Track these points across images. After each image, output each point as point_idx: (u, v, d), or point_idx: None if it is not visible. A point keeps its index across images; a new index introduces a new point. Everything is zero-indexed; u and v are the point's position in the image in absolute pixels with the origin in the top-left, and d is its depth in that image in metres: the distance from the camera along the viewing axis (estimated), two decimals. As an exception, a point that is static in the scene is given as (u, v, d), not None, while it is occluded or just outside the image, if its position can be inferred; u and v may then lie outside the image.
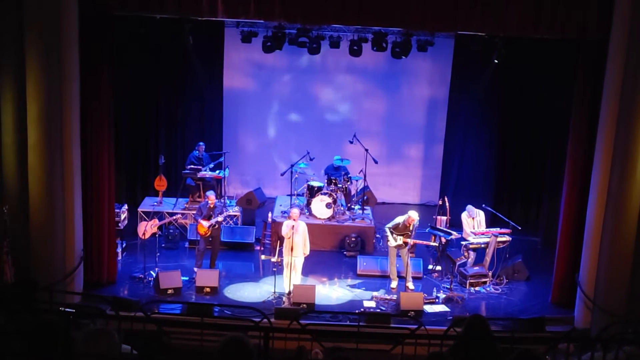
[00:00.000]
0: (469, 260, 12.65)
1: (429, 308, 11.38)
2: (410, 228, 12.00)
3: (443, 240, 12.61)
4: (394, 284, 12.22)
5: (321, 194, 14.06)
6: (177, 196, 14.76)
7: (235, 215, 14.22)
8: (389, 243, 12.09)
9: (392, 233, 11.99)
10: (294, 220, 11.45)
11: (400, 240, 11.93)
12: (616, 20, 10.44)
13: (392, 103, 16.51)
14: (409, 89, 16.47)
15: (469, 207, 13.09)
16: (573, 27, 10.79)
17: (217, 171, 14.57)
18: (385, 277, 12.53)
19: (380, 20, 11.37)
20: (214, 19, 11.51)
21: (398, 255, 12.13)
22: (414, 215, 12.02)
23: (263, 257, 13.29)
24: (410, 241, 12.07)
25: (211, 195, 12.33)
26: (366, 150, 14.42)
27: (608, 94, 10.65)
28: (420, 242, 12.49)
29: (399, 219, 12.08)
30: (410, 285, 12.09)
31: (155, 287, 11.56)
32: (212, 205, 12.23)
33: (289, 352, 6.77)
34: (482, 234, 12.67)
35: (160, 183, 14.58)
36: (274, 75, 16.24)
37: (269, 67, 16.06)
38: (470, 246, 12.63)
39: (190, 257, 13.01)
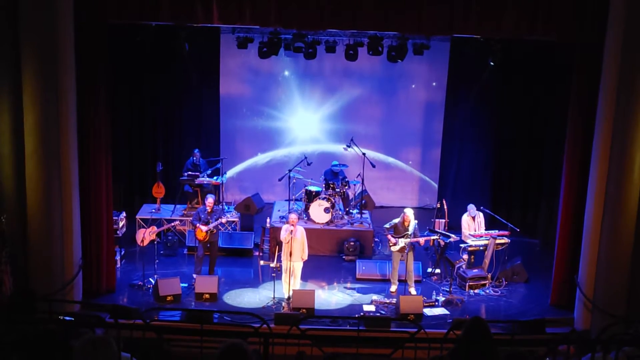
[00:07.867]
0: (466, 262, 12.64)
1: (428, 311, 11.36)
2: (409, 228, 11.92)
3: (442, 242, 12.59)
4: (393, 287, 12.20)
5: (319, 198, 14.05)
6: (175, 203, 14.75)
7: (233, 221, 14.22)
8: (393, 248, 12.02)
9: (394, 237, 11.95)
10: (292, 225, 11.42)
11: (402, 242, 11.89)
12: (611, 23, 10.45)
13: (388, 107, 16.54)
14: (405, 93, 16.50)
15: (471, 206, 13.01)
16: (568, 30, 10.84)
17: (215, 177, 14.57)
18: (385, 281, 12.53)
19: (376, 24, 11.35)
20: (209, 25, 11.52)
21: (401, 260, 12.07)
22: (409, 213, 11.95)
23: (262, 262, 13.27)
24: (421, 240, 11.94)
25: (210, 199, 12.31)
26: (363, 154, 14.43)
27: (604, 95, 10.65)
28: (424, 238, 12.28)
29: (395, 220, 12.05)
30: (412, 290, 12.02)
31: (155, 294, 11.55)
32: (210, 210, 12.22)
33: (289, 358, 6.78)
34: (481, 236, 12.67)
35: (158, 190, 14.59)
36: (270, 81, 16.26)
37: (265, 72, 16.09)
38: (469, 249, 12.62)
39: (189, 263, 13.01)
